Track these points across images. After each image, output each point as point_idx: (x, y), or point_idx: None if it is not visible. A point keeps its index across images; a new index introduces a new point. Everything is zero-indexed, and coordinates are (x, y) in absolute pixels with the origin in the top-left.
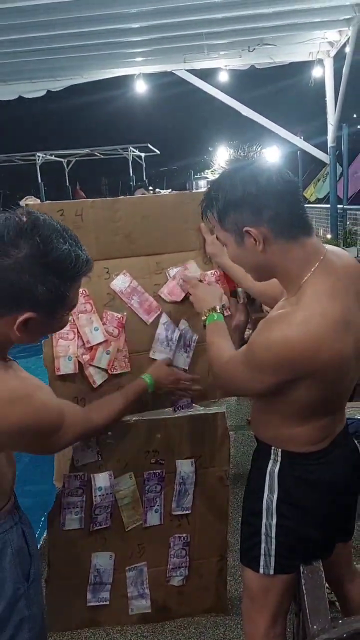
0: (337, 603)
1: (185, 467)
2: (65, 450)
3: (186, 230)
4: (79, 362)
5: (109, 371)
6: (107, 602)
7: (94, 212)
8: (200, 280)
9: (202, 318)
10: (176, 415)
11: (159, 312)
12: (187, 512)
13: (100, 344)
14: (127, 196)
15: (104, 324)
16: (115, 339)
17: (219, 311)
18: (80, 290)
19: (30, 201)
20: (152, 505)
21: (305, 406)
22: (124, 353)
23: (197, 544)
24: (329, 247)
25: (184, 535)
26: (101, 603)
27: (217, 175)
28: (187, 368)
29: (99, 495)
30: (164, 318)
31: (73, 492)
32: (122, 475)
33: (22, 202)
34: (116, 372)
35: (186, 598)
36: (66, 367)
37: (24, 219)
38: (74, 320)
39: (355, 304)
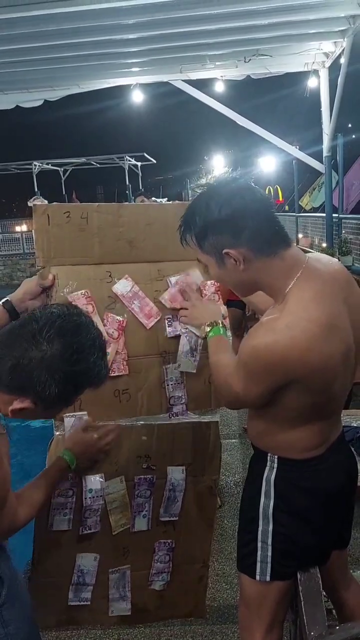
0: (333, 611)
1: (176, 474)
2: (58, 449)
3: None
4: None
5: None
6: (88, 603)
7: (99, 216)
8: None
9: (206, 330)
10: (170, 422)
11: (159, 318)
12: (174, 518)
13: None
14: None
15: (104, 325)
16: (114, 341)
17: (222, 325)
18: (83, 291)
19: (38, 202)
20: (141, 510)
21: (297, 412)
22: (123, 356)
23: (181, 550)
24: (311, 255)
25: (169, 541)
26: (82, 603)
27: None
28: (194, 372)
29: (90, 498)
30: (183, 328)
31: (63, 493)
32: (113, 478)
33: (30, 203)
34: (114, 375)
35: (166, 602)
36: None
37: (72, 317)
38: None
39: (342, 308)
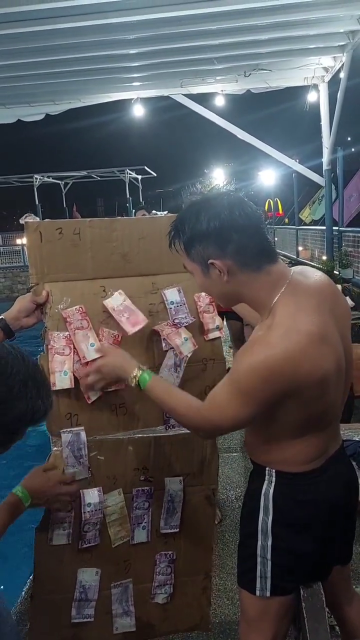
0: (337, 627)
1: (173, 485)
2: (57, 463)
3: None
4: (74, 377)
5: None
6: (92, 619)
7: (92, 231)
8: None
9: (132, 383)
10: (167, 434)
11: (143, 325)
12: (175, 530)
13: (96, 360)
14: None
15: (100, 340)
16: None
17: (144, 369)
18: (77, 306)
19: (29, 219)
20: (140, 522)
21: (293, 425)
22: None
23: (182, 562)
24: (296, 268)
25: (170, 552)
26: (86, 620)
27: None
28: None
29: (88, 512)
30: (171, 342)
31: (62, 508)
32: (110, 491)
33: (22, 220)
34: (111, 389)
35: (170, 615)
36: (62, 382)
37: None
38: (70, 336)
39: (329, 319)
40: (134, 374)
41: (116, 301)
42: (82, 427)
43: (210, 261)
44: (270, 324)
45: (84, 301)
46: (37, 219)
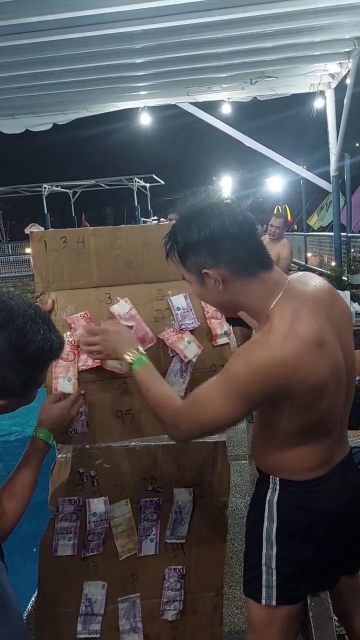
0: (346, 637)
1: (182, 495)
2: (61, 473)
3: None
4: (78, 383)
5: None
6: (98, 635)
7: (96, 239)
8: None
9: (128, 361)
10: (174, 442)
11: (152, 344)
12: (181, 541)
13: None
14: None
15: None
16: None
17: (143, 353)
18: (82, 312)
19: (34, 229)
20: (148, 534)
21: (292, 432)
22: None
23: (192, 577)
24: (293, 275)
25: (180, 567)
26: (92, 636)
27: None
28: (182, 394)
29: (93, 522)
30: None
31: (67, 517)
32: (117, 501)
33: (27, 230)
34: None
35: (180, 634)
36: (65, 388)
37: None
38: (75, 342)
39: (328, 325)
40: (131, 353)
41: (123, 309)
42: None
43: (204, 271)
44: (268, 330)
45: (89, 307)
46: (42, 228)
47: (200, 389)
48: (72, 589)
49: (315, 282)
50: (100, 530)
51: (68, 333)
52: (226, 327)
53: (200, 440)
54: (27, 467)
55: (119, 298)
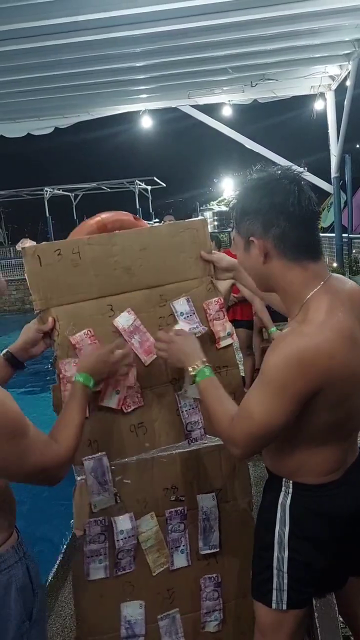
0: (352, 638)
1: (206, 501)
2: (83, 496)
3: (184, 259)
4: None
5: (122, 409)
6: None
7: (91, 248)
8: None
9: (191, 373)
10: (190, 449)
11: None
12: (215, 550)
13: (109, 383)
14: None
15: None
16: (124, 378)
17: (206, 365)
18: (86, 330)
19: (27, 244)
20: (178, 545)
21: (317, 431)
22: (136, 389)
23: (229, 584)
24: (334, 274)
25: (214, 575)
26: None
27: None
28: (199, 397)
29: (122, 539)
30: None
31: (95, 539)
32: (142, 516)
33: (19, 247)
34: (129, 410)
35: None
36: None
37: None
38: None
39: (357, 325)
40: (197, 364)
41: (126, 321)
42: (104, 452)
43: (251, 238)
44: (303, 319)
45: (92, 323)
46: (34, 243)
47: (243, 399)
48: (110, 614)
49: (350, 283)
50: (129, 547)
51: (72, 361)
52: (229, 327)
53: (214, 443)
54: (70, 408)
55: (121, 310)
